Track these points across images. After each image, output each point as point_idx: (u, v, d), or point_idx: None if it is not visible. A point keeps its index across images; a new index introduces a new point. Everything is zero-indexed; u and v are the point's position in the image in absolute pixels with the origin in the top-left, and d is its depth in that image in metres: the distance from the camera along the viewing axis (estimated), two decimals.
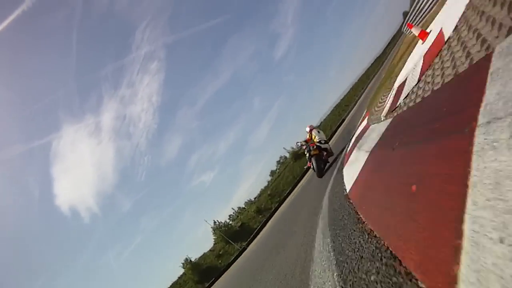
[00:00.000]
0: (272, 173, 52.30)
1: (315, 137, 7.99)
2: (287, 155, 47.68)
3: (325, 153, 7.73)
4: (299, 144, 8.27)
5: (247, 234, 32.38)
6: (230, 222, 41.87)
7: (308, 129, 8.45)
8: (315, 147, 7.53)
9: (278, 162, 53.50)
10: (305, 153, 7.78)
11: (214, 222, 41.85)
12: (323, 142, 7.79)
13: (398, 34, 49.19)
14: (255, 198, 46.29)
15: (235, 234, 36.25)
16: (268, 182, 48.57)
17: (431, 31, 4.61)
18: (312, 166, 7.63)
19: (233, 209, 46.23)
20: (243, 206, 45.55)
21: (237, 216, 43.46)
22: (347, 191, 2.85)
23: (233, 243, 34.11)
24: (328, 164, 8.01)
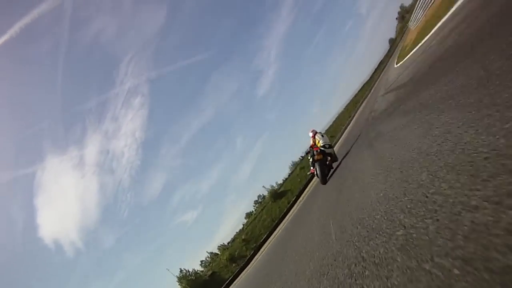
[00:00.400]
0: (248, 215, 48.68)
1: (319, 141, 7.61)
2: (266, 193, 45.18)
3: (329, 158, 7.30)
4: (304, 153, 8.18)
5: (217, 286, 27.98)
6: (199, 271, 36.99)
7: (311, 134, 8.07)
8: (318, 151, 7.16)
9: (256, 202, 50.31)
10: (309, 158, 7.54)
11: (181, 271, 36.69)
12: (327, 146, 7.42)
13: (385, 60, 51.77)
14: (228, 243, 41.96)
15: (204, 285, 31.48)
16: (243, 225, 44.73)
17: None
18: (315, 172, 7.24)
19: (207, 252, 41.56)
20: (217, 251, 41.06)
21: (209, 264, 38.79)
22: None
23: None
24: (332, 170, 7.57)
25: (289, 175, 40.27)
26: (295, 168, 40.77)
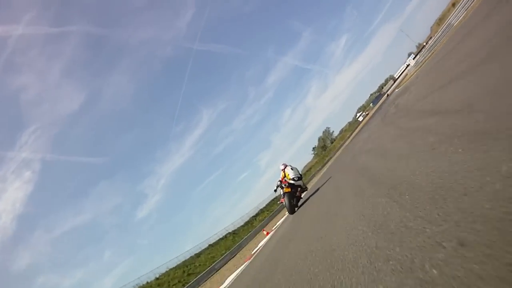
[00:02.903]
0: None
1: (288, 174, 8.23)
2: None
3: (299, 188, 8.08)
4: (277, 188, 8.26)
5: None
6: None
7: (282, 166, 8.64)
8: (287, 184, 7.82)
9: None
10: (280, 190, 8.06)
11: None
12: (296, 179, 8.05)
13: None
14: None
15: None
16: None
17: None
18: (284, 203, 7.90)
19: None
20: None
21: None
22: None
23: None
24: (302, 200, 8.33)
25: None
26: None
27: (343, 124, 77.61)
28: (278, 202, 12.06)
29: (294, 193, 7.84)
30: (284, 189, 7.76)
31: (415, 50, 62.37)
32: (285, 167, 8.50)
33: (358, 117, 76.29)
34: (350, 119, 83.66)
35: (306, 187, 8.59)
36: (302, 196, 8.36)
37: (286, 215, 11.71)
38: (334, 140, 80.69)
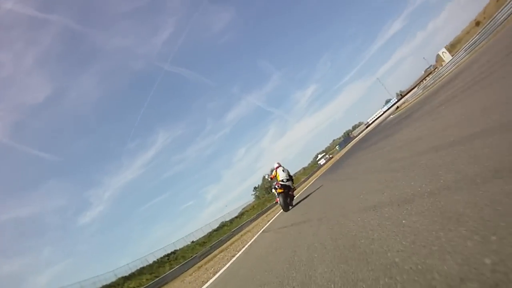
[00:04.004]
0: None
1: (278, 175, 8.86)
2: None
3: (291, 188, 8.85)
4: (266, 176, 9.62)
5: None
6: None
7: (276, 165, 9.30)
8: (280, 185, 8.46)
9: None
10: (273, 190, 8.79)
11: None
12: (285, 180, 8.69)
13: None
14: None
15: None
16: None
17: None
18: (279, 202, 8.64)
19: None
20: None
21: None
22: None
23: None
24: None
25: None
26: None
27: (296, 169, 71.22)
28: (274, 202, 12.69)
29: (287, 193, 8.53)
30: (278, 190, 8.43)
31: (389, 99, 67.04)
32: (278, 167, 9.14)
33: (319, 159, 71.81)
34: (305, 165, 75.99)
35: (294, 187, 9.51)
36: (294, 195, 9.34)
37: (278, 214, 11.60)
38: None
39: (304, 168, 69.97)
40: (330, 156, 67.14)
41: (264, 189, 66.71)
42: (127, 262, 29.04)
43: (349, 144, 54.73)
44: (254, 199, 65.85)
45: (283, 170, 9.00)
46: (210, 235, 37.45)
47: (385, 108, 66.01)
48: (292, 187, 8.99)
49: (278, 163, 9.33)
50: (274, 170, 9.16)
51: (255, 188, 75.04)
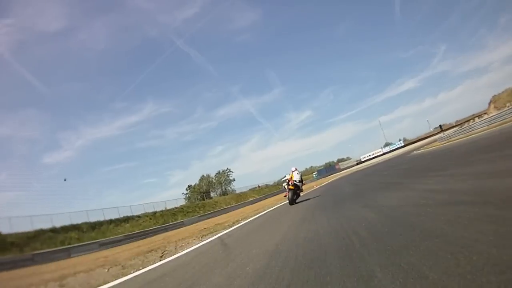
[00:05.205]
0: None
1: (293, 176, 11.36)
2: None
3: (300, 188, 11.55)
4: (287, 176, 11.89)
5: None
6: None
7: (293, 169, 11.78)
8: (292, 183, 11.05)
9: None
10: (284, 184, 12.12)
11: None
12: (297, 181, 11.28)
13: None
14: None
15: None
16: None
17: None
18: (288, 196, 11.09)
19: None
20: None
21: None
22: None
23: None
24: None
25: None
26: None
27: (262, 182, 63.89)
28: (284, 196, 14.80)
29: (296, 191, 11.02)
30: (290, 186, 10.89)
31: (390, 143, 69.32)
32: (294, 171, 11.49)
33: (284, 180, 69.37)
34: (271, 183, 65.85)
35: (302, 189, 12.10)
36: (301, 194, 11.93)
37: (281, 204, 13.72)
38: (226, 193, 55.89)
39: (266, 185, 60.41)
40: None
41: (201, 192, 50.86)
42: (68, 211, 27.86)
43: (330, 177, 49.29)
44: (185, 201, 47.96)
45: (297, 173, 11.55)
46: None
47: (386, 149, 70.30)
48: (301, 188, 11.65)
49: (295, 167, 11.83)
50: (291, 173, 11.62)
51: (189, 186, 56.55)
